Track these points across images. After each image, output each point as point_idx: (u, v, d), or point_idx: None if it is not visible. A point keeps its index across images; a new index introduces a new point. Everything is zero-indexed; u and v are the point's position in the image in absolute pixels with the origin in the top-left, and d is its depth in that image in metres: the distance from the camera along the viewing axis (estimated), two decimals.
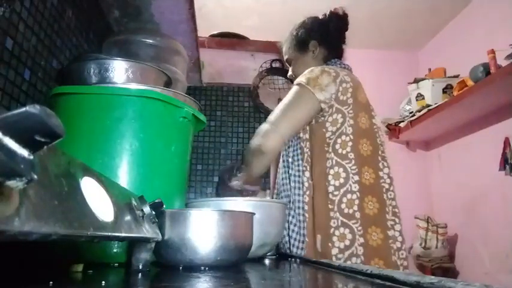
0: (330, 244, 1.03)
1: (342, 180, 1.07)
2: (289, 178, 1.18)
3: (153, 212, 0.56)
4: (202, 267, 0.62)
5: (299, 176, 1.14)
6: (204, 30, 1.70)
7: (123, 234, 0.42)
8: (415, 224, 2.07)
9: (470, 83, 1.72)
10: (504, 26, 1.85)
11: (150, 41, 1.07)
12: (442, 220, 2.10)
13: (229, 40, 1.98)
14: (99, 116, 0.74)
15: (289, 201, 1.15)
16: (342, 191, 1.06)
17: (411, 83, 2.18)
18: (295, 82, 1.18)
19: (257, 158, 1.11)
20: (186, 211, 0.65)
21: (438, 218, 2.13)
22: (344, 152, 1.09)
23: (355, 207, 1.05)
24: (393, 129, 2.36)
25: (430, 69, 2.38)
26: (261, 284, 0.55)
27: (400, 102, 2.38)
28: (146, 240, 0.55)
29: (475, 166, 2.02)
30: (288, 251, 1.13)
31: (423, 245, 2.03)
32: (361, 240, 1.02)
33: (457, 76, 2.01)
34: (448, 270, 2.01)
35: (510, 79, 1.50)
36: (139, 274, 0.54)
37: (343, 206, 1.05)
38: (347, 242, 1.02)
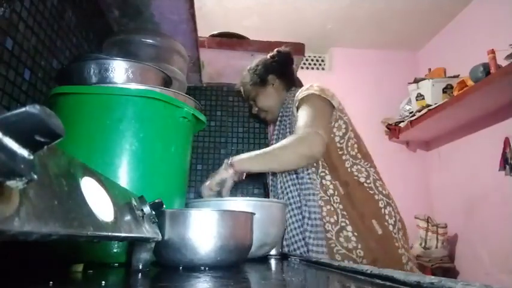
0: (386, 223, 1.11)
1: (366, 173, 1.17)
2: (298, 185, 1.17)
3: (153, 212, 0.56)
4: (202, 267, 0.62)
5: (313, 183, 1.14)
6: (204, 30, 1.70)
7: (123, 234, 0.42)
8: (415, 224, 2.07)
9: (470, 83, 1.72)
10: (504, 26, 1.85)
11: (150, 41, 1.07)
12: (442, 220, 2.10)
13: (229, 40, 1.98)
14: (99, 116, 0.74)
15: (298, 207, 1.14)
16: (371, 179, 1.17)
17: (411, 83, 2.18)
18: (305, 93, 1.18)
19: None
20: (186, 211, 0.65)
21: (438, 218, 2.13)
22: (353, 153, 1.20)
23: (386, 191, 1.17)
24: (393, 129, 2.36)
25: (430, 69, 2.38)
26: (261, 284, 0.55)
27: (400, 102, 2.38)
28: (146, 240, 0.55)
29: (475, 166, 2.02)
30: (304, 254, 1.09)
31: (423, 245, 2.03)
32: (398, 216, 1.15)
33: (457, 76, 2.01)
34: (448, 270, 2.01)
35: (510, 79, 1.50)
36: (139, 274, 0.54)
37: (380, 189, 1.16)
38: (393, 219, 1.13)
